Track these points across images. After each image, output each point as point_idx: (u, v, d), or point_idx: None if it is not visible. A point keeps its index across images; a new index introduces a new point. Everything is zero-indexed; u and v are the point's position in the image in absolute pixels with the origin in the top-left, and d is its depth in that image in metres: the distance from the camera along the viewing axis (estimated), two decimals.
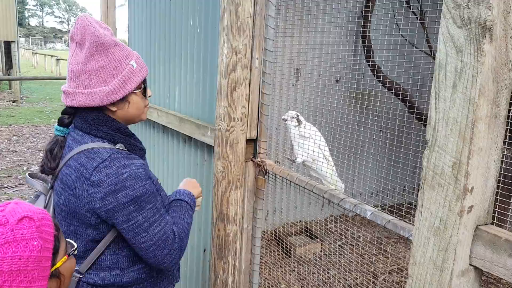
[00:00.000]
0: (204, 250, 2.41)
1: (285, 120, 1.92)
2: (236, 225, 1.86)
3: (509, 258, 0.93)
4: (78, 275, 1.31)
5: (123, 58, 1.28)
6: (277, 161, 1.86)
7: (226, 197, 1.83)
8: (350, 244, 3.90)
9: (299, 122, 1.90)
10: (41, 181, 1.39)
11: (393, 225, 1.24)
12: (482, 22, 0.91)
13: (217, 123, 1.83)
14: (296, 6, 2.49)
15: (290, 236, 3.83)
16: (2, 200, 4.71)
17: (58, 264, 0.94)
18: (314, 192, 1.55)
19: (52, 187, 1.34)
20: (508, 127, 1.01)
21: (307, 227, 4.00)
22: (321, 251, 3.75)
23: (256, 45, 1.77)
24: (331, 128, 3.28)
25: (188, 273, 2.60)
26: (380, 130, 4.30)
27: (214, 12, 2.17)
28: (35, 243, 0.87)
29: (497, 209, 1.04)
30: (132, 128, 3.32)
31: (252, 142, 1.87)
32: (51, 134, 8.17)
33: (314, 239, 3.83)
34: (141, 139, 3.27)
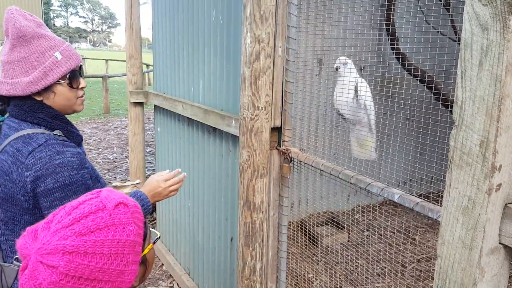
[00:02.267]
0: (232, 239, 2.45)
1: (338, 68, 1.94)
2: (262, 212, 1.88)
3: None
4: (18, 264, 1.28)
5: (46, 50, 1.32)
6: (302, 149, 1.87)
7: (252, 185, 1.85)
8: (377, 234, 3.88)
9: (357, 95, 1.97)
10: None
11: (421, 207, 1.24)
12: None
13: (241, 112, 1.86)
14: None
15: (316, 226, 3.83)
16: None
17: (145, 251, 0.98)
18: (340, 178, 1.56)
19: None
20: None
21: (333, 217, 4.00)
22: (348, 241, 3.74)
23: (279, 33, 1.78)
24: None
25: (216, 261, 2.65)
26: (407, 118, 4.25)
27: (236, 2, 2.19)
28: (131, 228, 0.90)
29: None
30: (161, 121, 3.39)
31: (276, 131, 1.89)
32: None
33: (341, 229, 3.83)
34: (166, 132, 3.35)
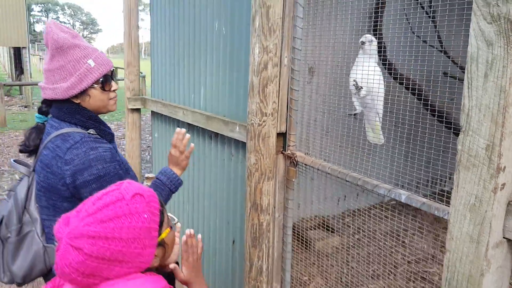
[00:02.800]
0: (233, 242, 2.52)
1: (363, 43, 2.05)
2: (269, 214, 1.96)
3: None
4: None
5: (81, 58, 1.46)
6: (307, 153, 1.97)
7: (259, 188, 1.93)
8: (368, 237, 3.99)
9: (358, 88, 2.08)
10: (23, 166, 1.55)
11: (427, 207, 1.34)
12: (511, 18, 1.01)
13: (249, 118, 1.94)
14: (310, 6, 2.59)
15: (308, 230, 3.92)
16: None
17: (163, 235, 1.09)
18: (347, 180, 1.65)
19: (33, 169, 1.51)
20: None
21: (324, 222, 4.09)
22: (340, 244, 3.84)
23: (285, 45, 1.87)
24: (345, 123, 3.37)
25: (217, 264, 2.72)
26: (395, 125, 4.39)
27: (240, 14, 2.28)
28: (146, 216, 1.02)
29: None
30: (159, 127, 3.44)
31: (281, 136, 1.98)
32: None
33: (332, 232, 3.93)
34: (164, 138, 3.40)
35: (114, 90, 1.55)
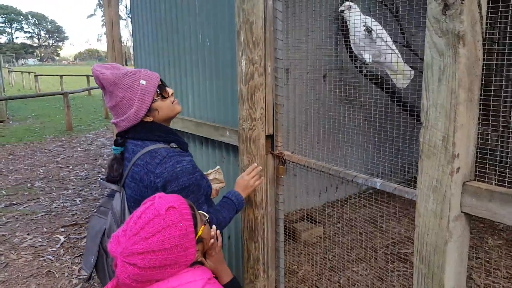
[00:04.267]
0: (229, 238, 2.72)
1: (343, 11, 2.27)
2: (262, 209, 2.18)
3: (489, 202, 1.28)
4: None
5: (133, 82, 1.63)
6: (293, 152, 2.19)
7: None
8: (348, 225, 4.26)
9: (369, 31, 2.29)
10: (111, 184, 1.74)
11: (399, 191, 1.58)
12: (456, 33, 1.25)
13: (240, 124, 2.15)
14: (284, 10, 2.81)
15: (294, 223, 4.16)
16: (16, 216, 4.92)
17: (199, 233, 1.31)
18: (330, 174, 1.89)
19: (123, 185, 1.69)
20: (480, 107, 1.36)
21: (307, 214, 4.34)
22: (323, 234, 4.10)
23: (268, 55, 2.09)
24: (321, 120, 3.63)
25: None
26: (365, 119, 4.68)
27: (223, 28, 2.48)
28: (181, 224, 1.23)
29: (477, 169, 1.39)
30: None
31: (269, 138, 2.19)
32: (46, 150, 8.34)
33: (316, 223, 4.18)
34: None
35: (172, 94, 1.73)
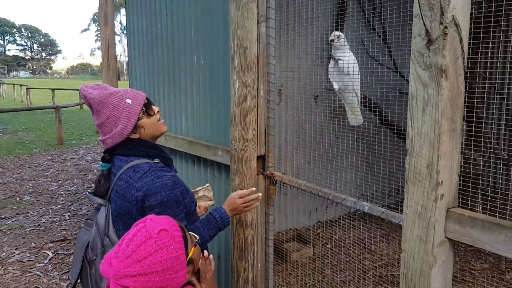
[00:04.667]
0: (219, 257, 2.74)
1: (332, 40, 2.38)
2: (253, 229, 2.21)
3: (471, 229, 1.33)
4: None
5: (119, 102, 1.70)
6: (284, 172, 2.23)
7: None
8: (338, 247, 4.29)
9: (336, 60, 2.42)
10: (98, 198, 1.79)
11: (386, 215, 1.63)
12: (439, 67, 1.32)
13: (232, 144, 2.19)
14: (277, 33, 2.89)
15: (284, 243, 4.18)
16: (4, 230, 4.88)
17: (190, 255, 1.33)
18: (319, 196, 1.93)
19: (109, 199, 1.75)
20: (463, 137, 1.42)
21: (298, 234, 4.36)
22: (313, 254, 4.12)
23: (260, 79, 2.15)
24: (312, 140, 3.69)
25: None
26: (356, 140, 4.76)
27: (217, 50, 2.55)
28: (172, 247, 1.26)
29: (460, 196, 1.44)
30: None
31: (261, 158, 2.24)
32: (35, 164, 8.30)
33: (306, 244, 4.20)
34: None
35: (157, 112, 1.79)
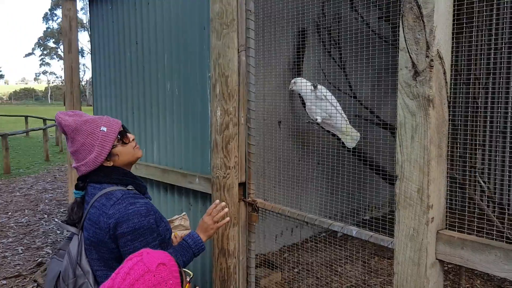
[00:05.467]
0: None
1: (292, 88, 2.45)
2: (235, 258, 2.19)
3: (461, 250, 1.40)
4: None
5: (94, 129, 1.68)
6: (265, 199, 2.24)
7: (226, 234, 2.16)
8: (306, 270, 4.31)
9: (315, 86, 2.48)
10: (71, 226, 1.73)
11: (374, 239, 1.67)
12: (426, 96, 1.40)
13: (214, 172, 2.18)
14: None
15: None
16: None
17: None
18: (305, 221, 1.95)
19: (81, 228, 1.70)
20: (448, 161, 1.50)
21: (265, 259, 4.35)
22: (282, 279, 4.11)
23: (241, 106, 2.17)
24: (278, 163, 3.74)
25: None
26: (318, 163, 4.87)
27: (193, 77, 2.55)
28: (171, 281, 1.21)
29: (448, 218, 1.51)
30: None
31: (241, 186, 2.24)
32: None
33: (274, 269, 4.19)
34: None
35: (133, 140, 1.76)
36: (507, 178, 3.95)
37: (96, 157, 1.65)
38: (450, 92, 1.48)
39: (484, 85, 3.51)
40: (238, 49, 2.12)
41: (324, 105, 2.54)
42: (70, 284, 1.64)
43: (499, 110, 3.94)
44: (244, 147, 2.21)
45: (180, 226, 2.12)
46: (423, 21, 1.39)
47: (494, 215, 2.87)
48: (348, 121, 2.89)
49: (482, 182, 3.09)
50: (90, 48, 3.53)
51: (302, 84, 2.85)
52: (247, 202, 2.21)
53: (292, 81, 3.00)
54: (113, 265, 1.64)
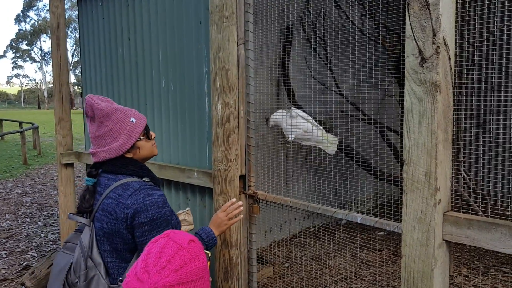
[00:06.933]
0: None
1: (268, 119, 2.49)
2: (237, 249, 2.20)
3: (468, 230, 1.45)
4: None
5: (124, 118, 1.70)
6: (266, 191, 2.26)
7: None
8: (297, 264, 4.35)
9: (289, 108, 2.54)
10: (81, 217, 1.73)
11: (380, 224, 1.71)
12: (433, 82, 1.45)
13: (215, 165, 2.19)
14: None
15: None
16: None
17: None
18: (307, 211, 1.98)
19: (93, 219, 1.69)
20: (453, 145, 1.56)
21: (256, 255, 4.36)
22: (274, 273, 4.14)
23: (241, 100, 2.19)
24: (267, 161, 3.78)
25: None
26: (305, 159, 4.92)
27: (190, 72, 2.55)
28: (202, 256, 1.24)
29: (453, 200, 1.56)
30: None
31: (242, 178, 2.25)
32: None
33: (265, 264, 4.21)
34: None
35: (153, 138, 1.80)
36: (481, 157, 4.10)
37: (121, 145, 1.67)
38: (455, 78, 1.54)
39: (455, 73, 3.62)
40: (237, 42, 2.13)
41: (297, 122, 2.63)
42: (81, 276, 1.63)
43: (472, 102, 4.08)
44: (244, 140, 2.22)
45: (184, 221, 2.12)
46: (429, 9, 1.44)
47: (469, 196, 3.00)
48: (323, 130, 2.97)
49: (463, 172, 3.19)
50: (78, 47, 3.47)
51: (278, 115, 2.91)
52: (248, 194, 2.22)
53: (269, 119, 3.06)
54: (126, 256, 1.64)
